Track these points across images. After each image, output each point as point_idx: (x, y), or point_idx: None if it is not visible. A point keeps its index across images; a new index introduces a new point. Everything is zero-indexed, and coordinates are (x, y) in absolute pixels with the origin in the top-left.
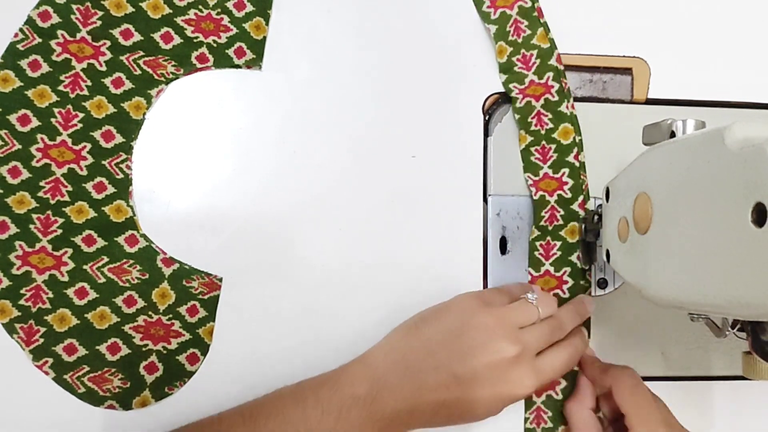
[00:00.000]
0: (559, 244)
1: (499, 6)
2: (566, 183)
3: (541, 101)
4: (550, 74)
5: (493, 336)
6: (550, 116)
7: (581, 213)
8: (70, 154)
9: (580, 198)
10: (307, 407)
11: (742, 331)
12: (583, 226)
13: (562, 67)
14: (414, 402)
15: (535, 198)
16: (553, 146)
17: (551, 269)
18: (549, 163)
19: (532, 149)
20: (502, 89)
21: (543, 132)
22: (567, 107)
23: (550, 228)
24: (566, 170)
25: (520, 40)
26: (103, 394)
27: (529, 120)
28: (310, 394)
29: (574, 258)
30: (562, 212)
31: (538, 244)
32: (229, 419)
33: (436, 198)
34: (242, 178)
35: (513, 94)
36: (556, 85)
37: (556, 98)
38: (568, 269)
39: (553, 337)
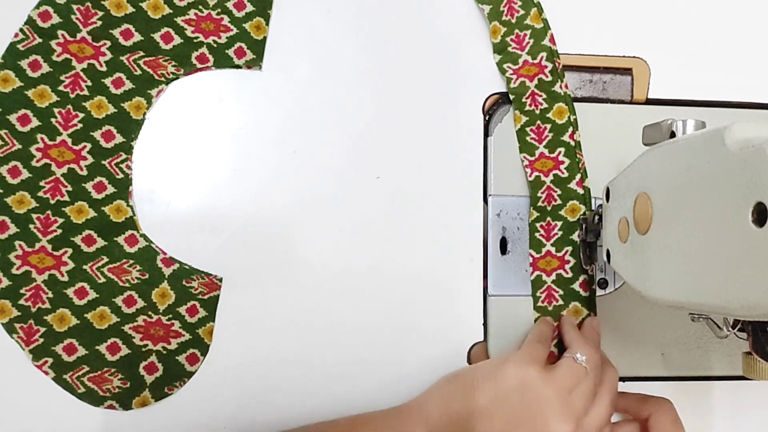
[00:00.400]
0: (559, 224)
1: (521, 74)
2: (562, 162)
3: (535, 81)
4: (544, 54)
5: (552, 412)
6: (545, 96)
7: (580, 191)
8: (70, 154)
9: (578, 176)
10: None
11: (743, 331)
12: (583, 227)
13: (555, 47)
14: None
15: (530, 179)
16: (548, 126)
17: (552, 249)
18: (544, 143)
19: (527, 129)
20: (502, 89)
21: (537, 112)
22: (560, 87)
23: (548, 208)
24: (562, 149)
25: (513, 21)
26: (102, 394)
27: (524, 100)
28: None
29: (575, 237)
30: (560, 191)
31: (538, 225)
32: None
33: (436, 198)
34: (242, 178)
35: (507, 75)
36: (550, 65)
37: (550, 78)
38: (570, 248)
39: (596, 388)
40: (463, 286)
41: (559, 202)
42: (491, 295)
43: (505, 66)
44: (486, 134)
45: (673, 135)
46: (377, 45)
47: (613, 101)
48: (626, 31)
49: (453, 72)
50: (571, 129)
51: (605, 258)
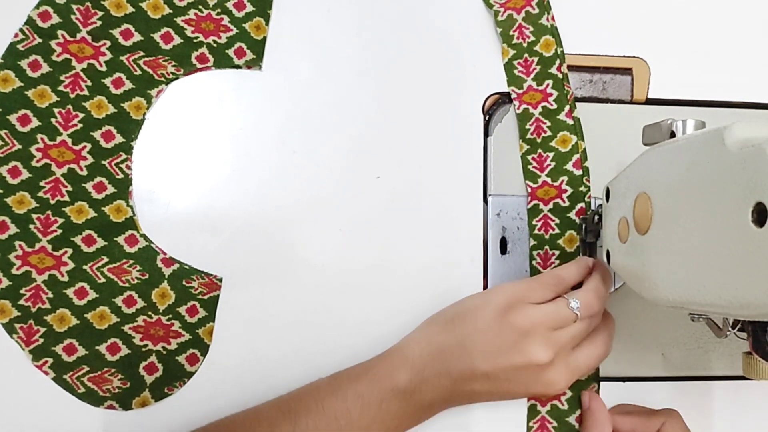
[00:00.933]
0: (551, 155)
1: (508, 7)
2: (565, 191)
3: (539, 109)
4: (550, 82)
5: (527, 340)
6: (549, 124)
7: (569, 122)
8: (70, 154)
9: (566, 108)
10: (347, 400)
11: (743, 331)
12: (583, 227)
13: (563, 75)
14: (450, 393)
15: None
16: (551, 154)
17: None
18: (546, 171)
19: (529, 158)
20: (502, 89)
21: (539, 140)
22: (567, 115)
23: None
24: (565, 178)
25: (524, 45)
26: (102, 394)
27: (527, 127)
28: (348, 388)
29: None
30: (557, 221)
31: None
32: (269, 415)
33: (436, 198)
34: (242, 179)
35: (513, 98)
36: (555, 93)
37: (555, 106)
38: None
39: (589, 332)
40: (463, 286)
41: (549, 133)
42: None
43: (510, 89)
44: (486, 134)
45: (673, 135)
46: (377, 45)
47: (613, 101)
48: (626, 31)
49: (453, 72)
50: (576, 156)
51: (605, 258)
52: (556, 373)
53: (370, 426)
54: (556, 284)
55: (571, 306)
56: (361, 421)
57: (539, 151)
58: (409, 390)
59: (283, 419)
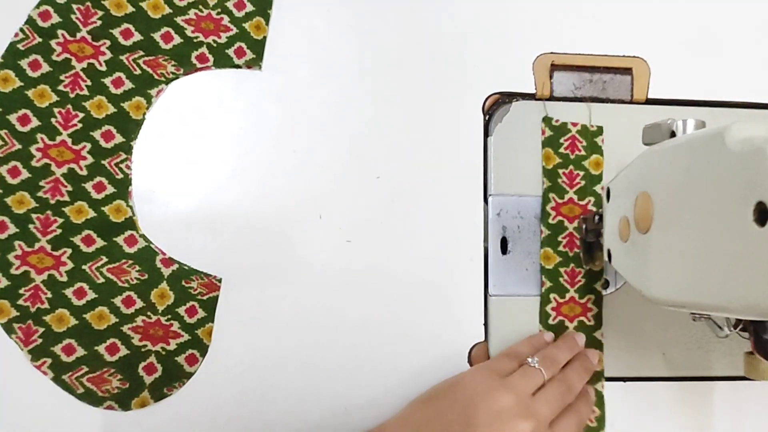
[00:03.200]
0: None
1: (561, 213)
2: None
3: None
4: (591, 199)
5: (509, 412)
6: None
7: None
8: (69, 154)
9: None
10: None
11: (744, 330)
12: (583, 227)
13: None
14: None
15: (552, 222)
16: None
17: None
18: (575, 189)
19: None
20: (502, 89)
21: (572, 156)
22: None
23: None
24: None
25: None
26: (102, 394)
27: (559, 239)
28: None
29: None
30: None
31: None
32: None
33: (436, 198)
34: (242, 178)
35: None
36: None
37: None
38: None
39: (565, 401)
40: (463, 286)
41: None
42: (491, 295)
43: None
44: (486, 134)
45: (673, 135)
46: (377, 45)
47: (613, 101)
48: (626, 31)
49: (453, 72)
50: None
51: (606, 257)
52: None
53: None
54: (516, 356)
55: (531, 363)
56: None
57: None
58: None
59: None
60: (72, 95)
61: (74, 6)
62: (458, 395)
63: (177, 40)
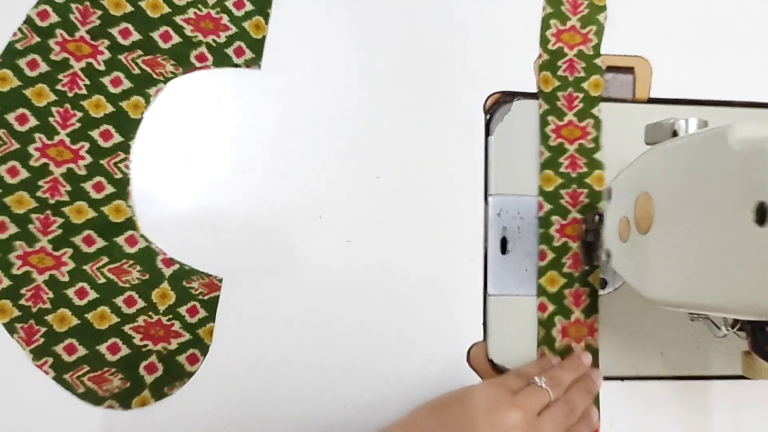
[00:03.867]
0: (586, 192)
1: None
2: (589, 133)
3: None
4: (590, 121)
5: (515, 429)
6: (585, 161)
7: (603, 164)
8: (68, 154)
9: (601, 150)
10: None
11: (742, 330)
12: (583, 226)
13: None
14: None
15: (552, 144)
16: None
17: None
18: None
19: (562, 192)
20: (503, 89)
21: (574, 175)
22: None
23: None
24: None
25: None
26: (102, 394)
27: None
28: None
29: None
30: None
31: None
32: None
33: (436, 198)
34: (241, 178)
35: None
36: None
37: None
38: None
39: (568, 422)
40: (463, 286)
41: (585, 170)
42: (491, 294)
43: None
44: (487, 134)
45: (675, 134)
46: (377, 45)
47: (615, 100)
48: (628, 30)
49: (454, 71)
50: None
51: (605, 257)
52: None
53: None
54: (525, 377)
55: (538, 382)
56: None
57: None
58: None
59: None
60: (70, 94)
61: (73, 5)
62: (466, 407)
63: (176, 39)
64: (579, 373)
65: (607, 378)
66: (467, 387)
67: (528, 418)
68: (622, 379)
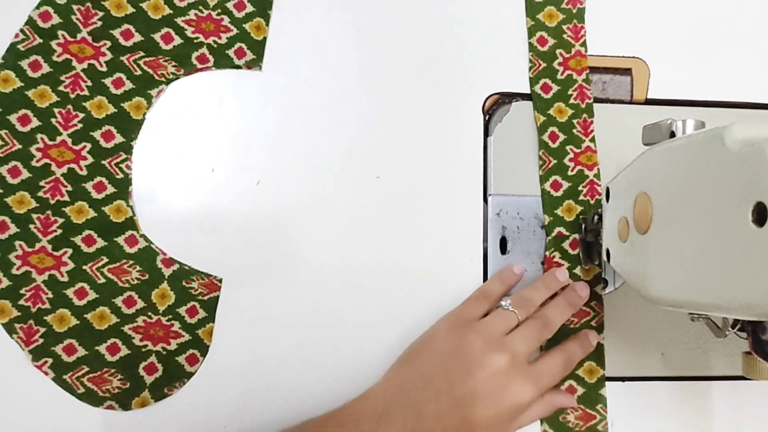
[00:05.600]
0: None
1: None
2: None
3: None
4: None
5: (481, 351)
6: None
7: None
8: (70, 154)
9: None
10: None
11: (743, 330)
12: (582, 226)
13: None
14: (417, 428)
15: (571, 174)
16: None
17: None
18: (590, 137)
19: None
20: (502, 89)
21: (592, 202)
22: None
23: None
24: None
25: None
26: (102, 394)
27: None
28: None
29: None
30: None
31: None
32: None
33: (436, 198)
34: (242, 179)
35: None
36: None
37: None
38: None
39: (542, 336)
40: (463, 286)
41: (602, 197)
42: None
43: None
44: (486, 134)
45: (672, 135)
46: (377, 45)
47: (612, 101)
48: (626, 32)
49: (453, 72)
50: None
51: (605, 257)
52: (519, 379)
53: None
54: (485, 297)
55: (503, 305)
56: None
57: (594, 216)
58: None
59: None
60: (72, 96)
61: (74, 7)
62: (434, 349)
63: (177, 40)
64: (552, 290)
65: (607, 378)
66: (430, 327)
67: (491, 337)
68: (623, 379)
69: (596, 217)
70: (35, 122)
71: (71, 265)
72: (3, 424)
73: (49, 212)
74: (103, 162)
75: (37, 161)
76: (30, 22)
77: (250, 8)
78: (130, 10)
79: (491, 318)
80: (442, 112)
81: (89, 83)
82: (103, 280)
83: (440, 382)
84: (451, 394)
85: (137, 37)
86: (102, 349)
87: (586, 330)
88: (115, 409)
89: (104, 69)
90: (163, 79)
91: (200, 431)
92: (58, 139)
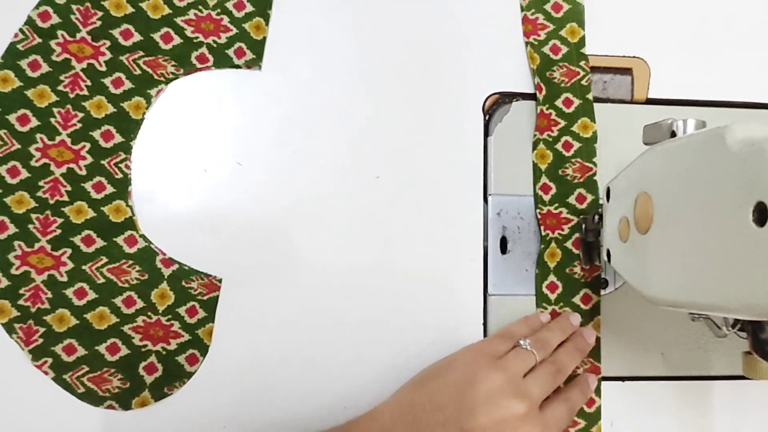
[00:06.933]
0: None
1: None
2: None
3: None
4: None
5: (502, 392)
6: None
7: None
8: (69, 154)
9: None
10: None
11: (743, 330)
12: (583, 226)
13: (605, 193)
14: None
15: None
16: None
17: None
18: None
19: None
20: (502, 89)
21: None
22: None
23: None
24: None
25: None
26: (102, 394)
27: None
28: None
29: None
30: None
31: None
32: None
33: (436, 198)
34: (242, 179)
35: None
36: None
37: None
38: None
39: (556, 382)
40: (463, 286)
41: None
42: (491, 294)
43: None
44: (486, 134)
45: (673, 135)
46: (377, 45)
47: (613, 101)
48: (626, 31)
49: (453, 72)
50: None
51: (605, 257)
52: (530, 427)
53: None
54: (510, 337)
55: (523, 345)
56: None
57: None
58: None
59: None
60: (72, 95)
61: (74, 6)
62: (450, 377)
63: (177, 40)
64: (567, 333)
65: (607, 378)
66: (449, 356)
67: (512, 379)
68: (623, 379)
69: (597, 217)
70: (34, 122)
71: (70, 265)
72: (3, 424)
73: (48, 212)
74: (103, 162)
75: (37, 161)
76: (29, 21)
77: (249, 8)
78: (130, 9)
79: (513, 357)
80: (442, 111)
81: (88, 83)
82: (102, 280)
83: (450, 410)
84: (459, 425)
85: (137, 37)
86: (102, 348)
87: (585, 374)
88: (115, 409)
89: (103, 69)
90: (162, 78)
91: (200, 431)
92: (58, 138)
